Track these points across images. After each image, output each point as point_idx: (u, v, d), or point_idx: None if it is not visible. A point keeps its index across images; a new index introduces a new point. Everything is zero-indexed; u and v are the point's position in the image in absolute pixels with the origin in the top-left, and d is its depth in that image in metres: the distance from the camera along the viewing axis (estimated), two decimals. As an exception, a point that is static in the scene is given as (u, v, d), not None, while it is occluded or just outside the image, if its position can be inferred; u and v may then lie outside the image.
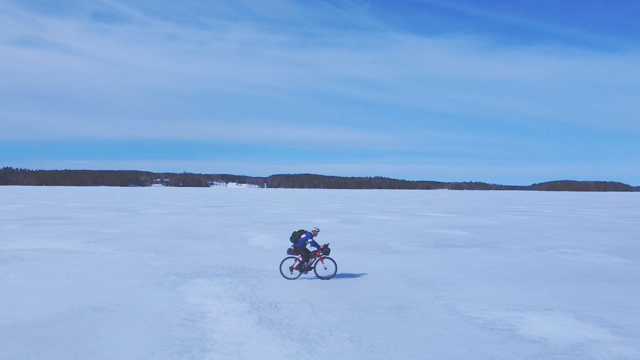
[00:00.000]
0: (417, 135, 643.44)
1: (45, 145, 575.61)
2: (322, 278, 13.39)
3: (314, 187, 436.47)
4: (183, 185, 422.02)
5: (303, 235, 13.17)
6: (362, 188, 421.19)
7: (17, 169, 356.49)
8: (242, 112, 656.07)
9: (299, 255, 13.24)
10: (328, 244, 13.75)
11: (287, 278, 13.37)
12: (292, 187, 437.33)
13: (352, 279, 13.73)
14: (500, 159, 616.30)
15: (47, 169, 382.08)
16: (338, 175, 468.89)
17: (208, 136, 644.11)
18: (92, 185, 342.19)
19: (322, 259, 13.38)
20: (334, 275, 13.56)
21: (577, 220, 39.82)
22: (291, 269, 13.35)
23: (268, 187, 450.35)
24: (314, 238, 13.26)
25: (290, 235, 13.44)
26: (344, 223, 34.64)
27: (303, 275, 13.45)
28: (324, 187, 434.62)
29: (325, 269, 13.51)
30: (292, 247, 13.30)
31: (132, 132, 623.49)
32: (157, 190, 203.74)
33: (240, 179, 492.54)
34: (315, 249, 13.34)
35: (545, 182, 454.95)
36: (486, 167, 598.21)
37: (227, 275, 14.07)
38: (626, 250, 20.80)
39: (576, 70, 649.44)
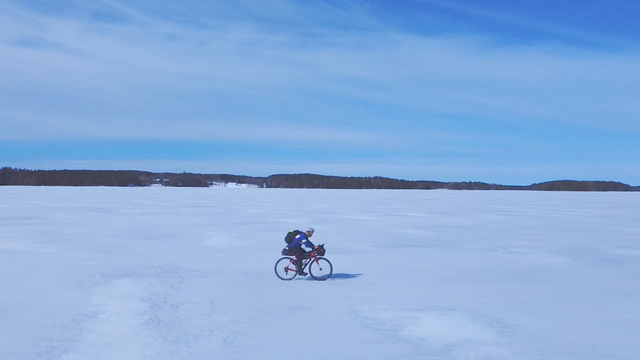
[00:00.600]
0: (417, 135, 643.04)
1: (45, 145, 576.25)
2: (317, 279, 13.25)
3: (313, 187, 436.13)
4: (182, 186, 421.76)
5: (297, 236, 13.06)
6: (361, 188, 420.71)
7: (16, 169, 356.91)
8: (242, 112, 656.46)
9: (294, 255, 13.15)
10: (323, 244, 13.63)
11: (282, 279, 13.25)
12: (292, 187, 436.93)
13: (275, 279, 13.68)
14: (500, 159, 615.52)
15: (47, 169, 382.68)
16: (338, 175, 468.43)
17: (208, 136, 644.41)
18: (91, 185, 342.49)
19: (317, 260, 13.27)
20: (330, 276, 13.41)
21: (552, 220, 39.72)
22: (286, 269, 13.24)
23: (267, 187, 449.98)
24: (308, 238, 13.14)
25: (285, 236, 13.34)
26: (315, 223, 34.56)
27: (298, 275, 13.29)
28: (323, 187, 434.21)
29: (321, 269, 13.40)
30: (287, 248, 13.20)
31: (132, 132, 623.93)
32: (153, 190, 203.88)
33: (240, 179, 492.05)
34: (310, 249, 13.20)
35: (544, 182, 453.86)
36: (486, 167, 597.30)
37: (153, 275, 14.03)
38: (579, 251, 20.71)
39: (576, 70, 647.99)
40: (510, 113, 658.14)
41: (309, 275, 13.36)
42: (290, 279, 13.23)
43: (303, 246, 13.15)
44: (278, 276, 13.37)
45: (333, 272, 13.69)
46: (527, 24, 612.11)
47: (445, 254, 19.37)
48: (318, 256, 13.27)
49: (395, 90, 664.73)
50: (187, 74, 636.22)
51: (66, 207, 51.93)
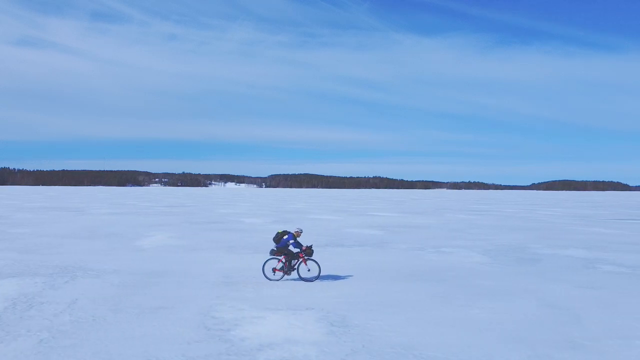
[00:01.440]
0: (417, 135, 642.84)
1: (44, 145, 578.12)
2: (305, 280, 13.07)
3: (312, 187, 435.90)
4: (181, 186, 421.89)
5: (285, 236, 12.98)
6: (360, 188, 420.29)
7: (14, 169, 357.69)
8: (242, 112, 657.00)
9: (282, 256, 13.07)
10: (311, 245, 13.53)
11: (270, 279, 13.14)
12: (291, 187, 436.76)
13: (170, 277, 13.65)
14: (500, 159, 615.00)
15: (47, 169, 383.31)
16: (337, 175, 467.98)
17: (208, 136, 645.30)
18: (90, 186, 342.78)
19: (305, 261, 13.10)
20: (318, 277, 13.23)
21: (515, 220, 39.63)
22: (273, 270, 13.12)
23: (267, 187, 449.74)
24: (297, 239, 13.03)
25: (274, 236, 13.24)
26: (274, 223, 34.55)
27: (286, 277, 13.22)
28: (322, 187, 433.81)
29: (309, 270, 13.22)
30: (275, 248, 13.11)
31: (132, 132, 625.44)
32: (148, 190, 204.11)
33: (239, 179, 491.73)
34: (298, 250, 13.09)
35: (543, 182, 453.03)
36: (486, 166, 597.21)
37: (45, 275, 14.01)
38: (509, 250, 20.65)
39: (576, 70, 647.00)
40: (510, 113, 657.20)
41: (297, 276, 13.23)
42: (278, 280, 13.10)
43: (291, 247, 13.03)
44: (266, 277, 13.21)
45: (321, 273, 13.41)
46: (527, 23, 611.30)
47: (371, 253, 19.33)
48: (306, 257, 13.10)
49: (395, 90, 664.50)
50: (187, 74, 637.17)
51: (38, 208, 51.98)
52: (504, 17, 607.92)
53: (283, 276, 13.18)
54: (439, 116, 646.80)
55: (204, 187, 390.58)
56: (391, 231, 28.89)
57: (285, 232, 13.13)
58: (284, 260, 13.06)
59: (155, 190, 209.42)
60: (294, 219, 39.33)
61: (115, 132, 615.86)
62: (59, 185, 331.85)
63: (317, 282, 13.28)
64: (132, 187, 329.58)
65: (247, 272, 14.67)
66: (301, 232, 13.36)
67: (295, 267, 13.15)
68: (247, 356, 7.57)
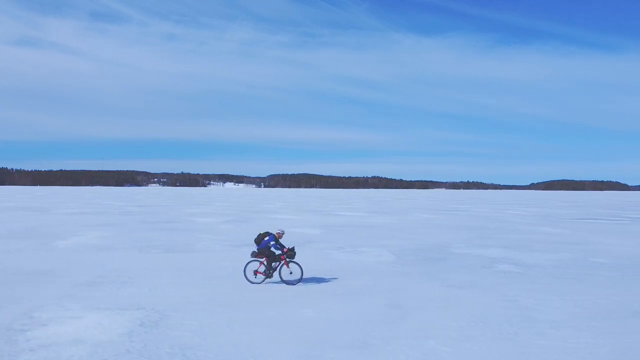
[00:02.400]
0: (417, 135, 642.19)
1: (43, 145, 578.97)
2: (287, 283, 12.77)
3: (311, 187, 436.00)
4: (180, 185, 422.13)
5: (266, 238, 12.66)
6: (358, 188, 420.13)
7: (12, 169, 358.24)
8: (242, 112, 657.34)
9: (263, 258, 12.76)
10: (293, 247, 13.10)
11: (252, 282, 12.82)
12: (290, 187, 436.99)
13: (36, 277, 13.60)
14: (499, 159, 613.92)
15: (46, 169, 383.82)
16: (336, 175, 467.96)
17: (208, 136, 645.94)
18: (87, 186, 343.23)
19: (287, 263, 12.77)
20: (300, 280, 12.89)
21: (471, 219, 39.48)
22: (255, 272, 12.82)
23: (266, 187, 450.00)
24: (279, 240, 12.74)
25: (255, 238, 12.94)
26: (227, 222, 34.48)
27: (268, 279, 12.88)
28: (321, 187, 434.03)
29: (291, 273, 12.86)
30: (256, 250, 12.79)
31: (131, 132, 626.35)
32: (140, 190, 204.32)
33: (238, 179, 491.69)
34: (280, 252, 12.73)
35: (542, 182, 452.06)
36: (485, 166, 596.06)
37: None
38: (427, 250, 20.55)
39: (576, 70, 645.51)
40: (510, 113, 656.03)
41: (278, 278, 12.88)
42: (259, 283, 12.77)
43: (272, 248, 12.68)
44: (247, 279, 12.92)
45: (304, 276, 13.12)
46: (527, 23, 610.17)
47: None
48: (288, 259, 12.76)
49: (394, 90, 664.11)
50: (186, 74, 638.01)
51: (2, 208, 52.04)
52: (504, 17, 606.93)
53: (265, 279, 12.82)
54: (438, 116, 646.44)
55: (202, 187, 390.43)
56: (332, 230, 28.81)
57: (266, 234, 12.77)
58: (265, 263, 12.74)
59: (148, 190, 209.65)
60: (254, 218, 39.31)
61: (114, 132, 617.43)
62: (57, 185, 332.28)
63: (180, 280, 13.20)
64: (130, 187, 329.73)
65: (127, 272, 14.61)
66: (283, 234, 12.98)
67: (277, 269, 12.83)
68: (11, 356, 7.51)
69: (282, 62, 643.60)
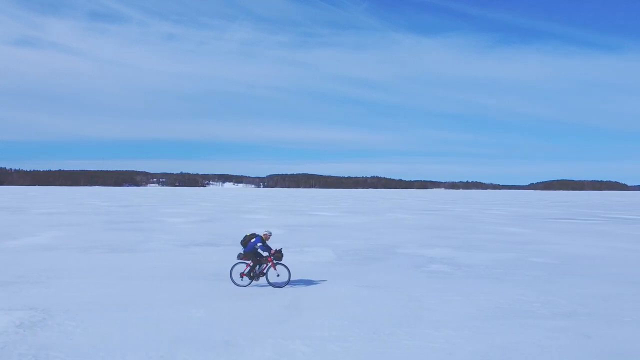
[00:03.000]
0: (417, 135, 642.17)
1: (42, 145, 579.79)
2: (274, 285, 12.44)
3: (310, 187, 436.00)
4: (179, 186, 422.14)
5: (253, 239, 12.32)
6: (358, 188, 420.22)
7: (11, 169, 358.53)
8: (242, 112, 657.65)
9: (250, 260, 12.41)
10: (280, 248, 12.68)
11: (238, 285, 12.51)
12: (289, 187, 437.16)
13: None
14: (499, 158, 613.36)
15: (45, 169, 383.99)
16: (336, 175, 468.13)
17: (208, 136, 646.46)
18: (86, 186, 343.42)
19: (274, 265, 12.42)
20: (288, 282, 12.56)
21: (440, 219, 39.47)
22: (241, 275, 12.50)
23: (265, 187, 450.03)
24: (266, 242, 12.37)
25: (241, 239, 12.63)
26: (198, 222, 34.49)
27: (255, 282, 12.58)
28: (320, 187, 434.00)
29: (278, 275, 12.46)
30: (242, 252, 12.46)
31: (131, 132, 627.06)
32: (134, 190, 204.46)
33: (238, 179, 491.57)
34: (267, 253, 12.38)
35: (542, 182, 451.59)
36: (485, 166, 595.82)
37: None
38: (368, 251, 20.55)
39: (576, 70, 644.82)
40: (510, 113, 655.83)
41: (265, 281, 12.61)
42: (246, 286, 12.47)
43: (259, 250, 12.35)
44: (233, 282, 12.58)
45: (291, 278, 12.78)
46: (527, 23, 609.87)
47: (215, 252, 19.26)
48: (275, 261, 12.40)
49: (394, 90, 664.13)
50: (186, 74, 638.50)
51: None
52: (504, 16, 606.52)
53: (251, 282, 12.52)
54: (438, 116, 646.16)
55: (200, 187, 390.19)
56: (293, 231, 28.83)
57: (253, 235, 12.44)
58: (251, 265, 12.41)
59: (144, 190, 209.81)
60: (225, 218, 39.36)
61: (114, 132, 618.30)
62: (56, 185, 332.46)
63: (95, 282, 13.20)
64: (129, 187, 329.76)
65: (49, 272, 14.63)
66: (270, 235, 12.56)
67: (264, 272, 12.52)
68: None
69: (282, 62, 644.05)
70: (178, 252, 19.28)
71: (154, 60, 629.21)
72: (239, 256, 12.51)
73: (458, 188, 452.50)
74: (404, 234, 27.22)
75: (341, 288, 12.83)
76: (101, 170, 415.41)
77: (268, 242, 12.64)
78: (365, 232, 28.18)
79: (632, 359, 7.84)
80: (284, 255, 12.65)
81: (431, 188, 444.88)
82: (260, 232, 12.76)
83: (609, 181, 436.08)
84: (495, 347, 8.24)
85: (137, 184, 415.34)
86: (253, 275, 12.41)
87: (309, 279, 14.11)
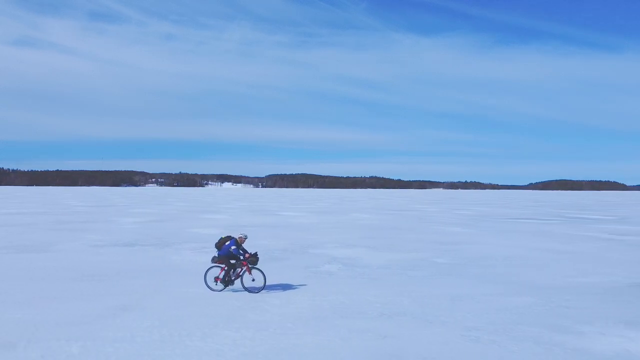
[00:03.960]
0: (416, 135, 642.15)
1: (42, 145, 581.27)
2: (249, 291, 11.94)
3: (309, 187, 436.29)
4: (178, 186, 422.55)
5: (228, 242, 11.88)
6: (356, 188, 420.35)
7: (8, 169, 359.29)
8: (241, 112, 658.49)
9: (224, 264, 11.96)
10: (256, 252, 12.21)
11: (212, 290, 12.10)
12: (287, 186, 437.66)
13: None
14: (499, 159, 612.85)
15: (45, 169, 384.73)
16: (335, 175, 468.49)
17: (207, 136, 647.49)
18: (84, 186, 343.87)
19: (249, 270, 11.91)
20: (264, 288, 12.03)
21: (396, 220, 39.45)
22: (215, 279, 12.06)
23: (263, 187, 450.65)
24: (242, 245, 11.95)
25: (216, 242, 12.22)
26: (148, 222, 34.50)
27: (230, 287, 12.13)
28: (319, 187, 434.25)
29: (253, 280, 11.94)
30: (217, 255, 12.03)
31: (130, 132, 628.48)
32: (133, 190, 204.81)
33: (237, 179, 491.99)
34: (242, 257, 11.90)
35: (541, 182, 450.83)
36: (485, 166, 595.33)
37: None
38: (281, 251, 20.53)
39: (575, 70, 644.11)
40: (510, 113, 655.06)
41: (241, 286, 12.10)
42: (220, 291, 12.07)
43: (234, 253, 11.87)
44: (208, 287, 12.18)
45: (267, 283, 12.24)
46: (526, 23, 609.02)
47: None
48: (250, 265, 11.91)
49: (394, 90, 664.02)
50: (185, 74, 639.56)
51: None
52: (504, 16, 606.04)
53: (226, 286, 12.09)
54: (438, 116, 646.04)
55: (199, 188, 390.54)
56: (235, 231, 28.61)
57: (228, 238, 12.00)
58: (226, 269, 11.99)
59: (139, 190, 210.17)
60: (182, 218, 39.38)
61: (113, 132, 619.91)
62: (53, 185, 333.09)
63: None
64: (127, 187, 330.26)
65: None
66: (245, 238, 12.11)
67: (239, 276, 12.04)
68: None
69: (281, 62, 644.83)
70: (85, 253, 19.26)
71: (153, 60, 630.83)
72: (213, 259, 12.11)
73: (457, 188, 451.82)
74: (338, 234, 27.18)
75: (187, 289, 12.75)
76: (99, 171, 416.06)
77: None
78: (303, 232, 28.16)
79: (403, 357, 7.80)
80: (259, 260, 12.17)
81: (430, 188, 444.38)
82: (236, 234, 12.35)
83: (608, 181, 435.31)
84: (277, 349, 8.21)
85: (135, 184, 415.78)
86: (228, 280, 11.99)
87: (176, 279, 14.08)
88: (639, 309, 10.98)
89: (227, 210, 52.74)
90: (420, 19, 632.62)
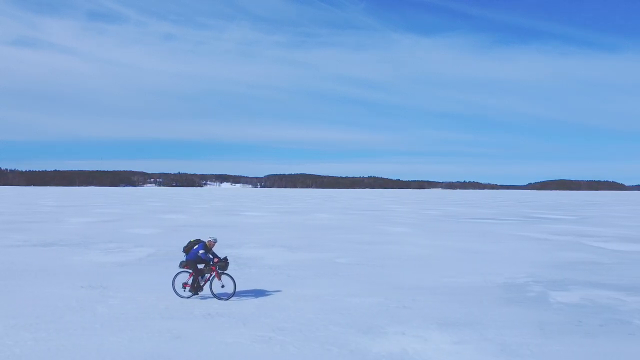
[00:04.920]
0: (416, 135, 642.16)
1: (40, 145, 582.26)
2: (218, 298, 11.33)
3: (307, 187, 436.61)
4: (176, 186, 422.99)
5: (196, 246, 11.36)
6: (355, 188, 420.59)
7: (6, 169, 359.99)
8: (241, 112, 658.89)
9: (192, 269, 11.40)
10: (226, 257, 11.61)
11: (181, 296, 11.51)
12: (286, 187, 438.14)
13: None
14: (498, 158, 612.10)
15: (43, 169, 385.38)
16: (334, 175, 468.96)
17: (206, 136, 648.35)
18: (81, 186, 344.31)
19: (218, 275, 11.30)
20: (233, 294, 11.40)
21: (352, 220, 39.38)
22: (184, 285, 11.51)
23: (262, 187, 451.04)
24: (211, 249, 11.40)
25: (185, 245, 11.72)
26: (97, 223, 34.49)
27: (198, 293, 11.52)
28: (317, 187, 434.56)
29: (223, 286, 11.34)
30: (184, 260, 11.50)
31: (130, 132, 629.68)
32: (128, 190, 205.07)
33: (235, 179, 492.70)
34: (210, 262, 11.30)
35: (539, 182, 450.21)
36: (484, 166, 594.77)
37: None
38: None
39: (575, 70, 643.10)
40: (509, 112, 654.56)
41: (209, 292, 11.50)
42: (188, 297, 11.49)
43: (202, 258, 11.30)
44: (176, 293, 11.59)
45: (237, 290, 11.63)
46: (526, 23, 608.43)
47: (41, 252, 19.24)
48: (220, 271, 11.31)
49: (393, 90, 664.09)
50: (184, 74, 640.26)
51: None
52: (503, 16, 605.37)
53: (195, 293, 11.51)
54: (437, 116, 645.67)
55: (197, 188, 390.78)
56: (177, 230, 28.89)
57: (197, 241, 11.49)
58: (194, 275, 11.43)
59: (135, 190, 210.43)
60: (142, 217, 39.38)
61: (112, 132, 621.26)
62: (51, 185, 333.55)
63: None
64: (125, 188, 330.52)
65: None
66: (215, 242, 11.52)
67: (208, 282, 11.48)
68: None
69: (281, 62, 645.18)
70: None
71: (152, 60, 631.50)
72: (181, 264, 11.56)
73: (455, 188, 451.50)
74: (272, 234, 27.11)
75: (60, 290, 12.72)
76: (98, 171, 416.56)
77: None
78: (240, 233, 28.10)
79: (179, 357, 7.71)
80: (229, 264, 11.55)
81: (428, 188, 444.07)
82: (205, 238, 11.75)
83: (607, 181, 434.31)
84: (56, 347, 8.14)
85: (133, 184, 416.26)
86: (197, 286, 11.43)
87: (45, 280, 14.02)
88: (469, 309, 10.86)
89: (194, 210, 52.70)
90: (419, 19, 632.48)
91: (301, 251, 20.45)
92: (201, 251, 11.20)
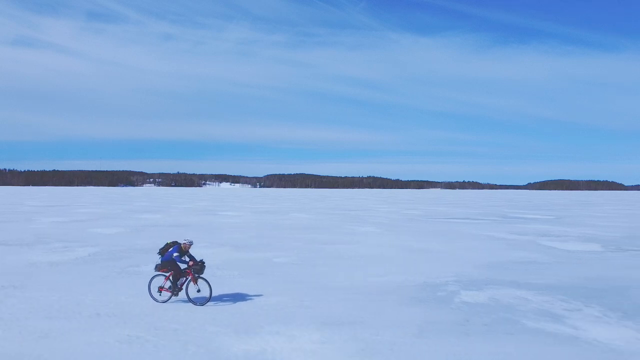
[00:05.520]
0: (415, 135, 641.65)
1: (39, 145, 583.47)
2: (194, 302, 10.94)
3: (306, 187, 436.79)
4: (175, 186, 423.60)
5: (172, 249, 11.01)
6: (354, 187, 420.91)
7: (5, 169, 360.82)
8: (240, 111, 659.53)
9: (168, 272, 11.09)
10: (202, 260, 11.20)
11: (157, 300, 11.18)
12: (285, 187, 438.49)
13: None
14: (497, 158, 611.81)
15: (41, 169, 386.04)
16: (333, 175, 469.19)
17: (205, 136, 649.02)
18: (80, 186, 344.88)
19: (194, 279, 10.95)
20: (210, 299, 11.05)
21: (326, 220, 39.32)
22: (159, 289, 11.21)
23: (262, 187, 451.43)
24: (187, 252, 11.00)
25: (161, 247, 11.38)
26: (67, 222, 34.47)
27: (174, 297, 11.17)
28: (316, 187, 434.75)
29: (199, 291, 10.99)
30: (160, 262, 11.19)
31: (129, 132, 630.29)
32: (125, 190, 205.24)
33: (235, 179, 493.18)
34: (185, 265, 10.98)
35: (538, 182, 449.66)
36: (483, 166, 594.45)
37: None
38: (138, 251, 20.42)
39: (574, 69, 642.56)
40: (508, 112, 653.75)
41: (185, 297, 11.09)
42: (165, 301, 11.11)
43: (176, 261, 10.93)
44: (152, 297, 11.29)
45: (213, 294, 11.28)
46: (525, 23, 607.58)
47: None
48: (196, 274, 10.95)
49: (392, 89, 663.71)
50: (183, 74, 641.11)
51: None
52: (502, 16, 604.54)
53: (171, 296, 11.15)
54: (436, 115, 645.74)
55: (196, 188, 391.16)
56: (142, 230, 28.87)
57: (173, 243, 11.14)
58: (170, 278, 11.06)
59: (131, 190, 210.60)
60: (122, 217, 39.35)
61: (111, 132, 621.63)
62: (50, 185, 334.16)
63: None
64: (123, 188, 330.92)
65: None
66: (191, 245, 11.09)
67: (183, 285, 11.10)
68: None
69: (279, 61, 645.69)
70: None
71: (151, 60, 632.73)
72: (157, 267, 11.25)
73: (454, 188, 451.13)
74: (233, 234, 27.04)
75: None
76: (97, 171, 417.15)
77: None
78: (203, 232, 28.03)
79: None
80: (205, 268, 11.14)
81: (427, 188, 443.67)
82: (181, 240, 11.32)
83: (606, 181, 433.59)
84: None
85: (132, 184, 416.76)
86: (173, 290, 11.05)
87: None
88: (366, 309, 10.77)
89: (174, 210, 52.65)
90: (418, 19, 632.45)
91: (247, 251, 20.37)
92: (175, 254, 10.83)
